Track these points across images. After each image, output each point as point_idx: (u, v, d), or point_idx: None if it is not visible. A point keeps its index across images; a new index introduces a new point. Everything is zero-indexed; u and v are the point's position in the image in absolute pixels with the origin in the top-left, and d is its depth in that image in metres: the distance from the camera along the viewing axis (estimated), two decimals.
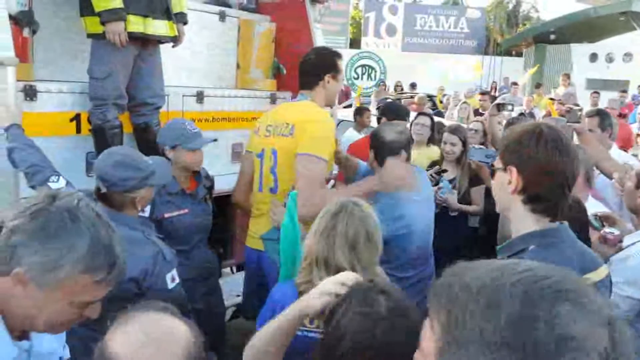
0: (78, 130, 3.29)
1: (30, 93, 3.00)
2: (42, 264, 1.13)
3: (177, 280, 2.30)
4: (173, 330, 1.09)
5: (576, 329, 0.67)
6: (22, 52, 2.96)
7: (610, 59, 23.95)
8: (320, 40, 4.36)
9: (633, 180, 2.38)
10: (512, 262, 0.79)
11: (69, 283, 1.15)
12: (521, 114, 5.96)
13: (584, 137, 3.41)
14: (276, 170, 2.77)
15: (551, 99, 8.49)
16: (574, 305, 0.69)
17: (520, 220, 1.60)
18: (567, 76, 9.93)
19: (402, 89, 15.15)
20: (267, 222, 2.78)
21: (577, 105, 9.43)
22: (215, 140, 3.19)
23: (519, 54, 26.83)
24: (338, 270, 1.75)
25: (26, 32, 3.02)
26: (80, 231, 1.16)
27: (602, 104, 11.64)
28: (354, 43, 27.96)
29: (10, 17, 2.83)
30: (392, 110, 4.19)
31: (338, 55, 2.99)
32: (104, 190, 2.27)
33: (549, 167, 1.54)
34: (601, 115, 4.09)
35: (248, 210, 3.07)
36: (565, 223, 1.62)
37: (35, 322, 1.19)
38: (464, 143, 4.09)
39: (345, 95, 5.53)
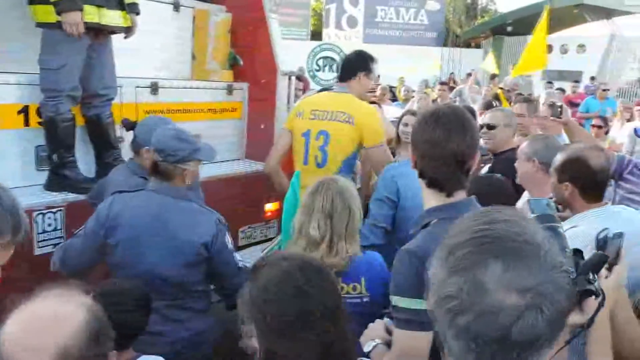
0: (26, 123, 3.21)
1: None
2: None
3: (231, 241, 2.55)
4: (58, 319, 1.11)
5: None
6: None
7: (564, 50, 24.65)
8: (277, 30, 4.35)
9: (554, 176, 2.44)
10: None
11: None
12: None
13: (570, 128, 3.60)
14: (326, 149, 3.21)
15: (501, 88, 8.77)
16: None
17: (425, 195, 1.72)
18: (514, 66, 10.40)
19: None
20: None
21: (530, 94, 9.70)
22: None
23: (478, 46, 27.32)
24: (311, 239, 2.08)
25: None
26: None
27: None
28: (316, 35, 27.93)
29: None
30: None
31: (372, 59, 3.45)
32: (160, 159, 2.40)
33: (430, 145, 1.65)
34: (528, 102, 4.62)
35: (277, 181, 3.53)
36: (471, 198, 1.70)
37: None
38: None
39: (303, 89, 5.54)
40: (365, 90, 3.49)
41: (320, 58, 17.83)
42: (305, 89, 6.20)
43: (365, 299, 2.18)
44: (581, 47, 24.26)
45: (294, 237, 2.20)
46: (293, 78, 4.33)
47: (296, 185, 2.89)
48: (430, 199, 1.70)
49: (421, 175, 1.70)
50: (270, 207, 4.15)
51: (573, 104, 10.54)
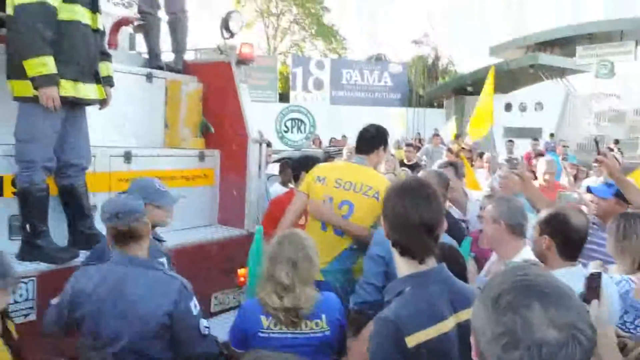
0: (0, 193, 3.26)
1: None
2: None
3: (198, 307, 2.52)
4: None
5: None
6: None
7: (523, 108, 25.77)
8: (246, 98, 4.53)
9: (537, 229, 2.62)
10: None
11: None
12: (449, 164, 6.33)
13: (524, 183, 3.79)
14: (349, 220, 3.22)
15: (462, 148, 9.16)
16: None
17: (398, 263, 1.83)
18: None
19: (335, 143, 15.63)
20: (325, 256, 3.11)
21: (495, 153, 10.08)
22: (183, 196, 3.28)
23: (440, 105, 28.35)
24: (280, 284, 2.34)
25: None
26: None
27: (518, 151, 12.54)
28: (283, 97, 28.55)
29: None
30: (301, 162, 4.29)
31: (388, 134, 3.61)
32: (114, 223, 2.48)
33: (400, 216, 1.78)
34: (454, 165, 4.71)
35: None
36: (442, 265, 1.82)
37: None
38: None
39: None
40: (379, 163, 3.63)
41: (288, 119, 18.20)
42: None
43: (327, 333, 2.41)
44: (539, 104, 25.39)
45: (262, 283, 2.44)
46: (264, 145, 4.48)
47: (259, 241, 3.40)
48: (403, 266, 1.80)
49: (394, 245, 1.81)
50: (242, 272, 4.18)
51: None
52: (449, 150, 8.88)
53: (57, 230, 3.42)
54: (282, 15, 36.79)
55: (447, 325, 1.68)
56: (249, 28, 36.92)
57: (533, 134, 18.12)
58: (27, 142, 3.20)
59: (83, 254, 3.18)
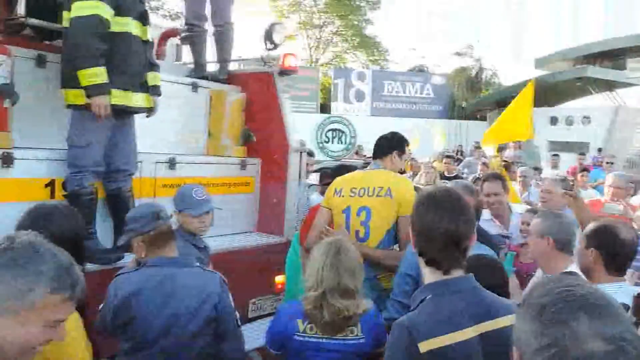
0: (52, 196, 3.40)
1: (7, 160, 3.15)
2: (15, 291, 1.29)
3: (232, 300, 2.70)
4: None
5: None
6: (1, 122, 3.13)
7: (569, 122, 25.12)
8: (288, 108, 4.62)
9: (583, 242, 2.58)
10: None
11: (42, 305, 1.31)
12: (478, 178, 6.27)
13: (576, 202, 3.79)
14: (369, 224, 3.30)
15: (504, 161, 9.05)
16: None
17: (423, 273, 1.85)
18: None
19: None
20: None
21: (538, 168, 9.90)
22: (219, 208, 3.37)
23: (483, 118, 27.93)
24: (347, 291, 2.39)
25: (6, 102, 3.20)
26: (44, 258, 1.35)
27: (563, 166, 12.24)
28: (324, 108, 28.73)
29: None
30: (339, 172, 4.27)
31: (406, 141, 3.67)
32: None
33: (426, 227, 1.80)
34: (501, 179, 4.53)
35: None
36: (467, 276, 1.82)
37: (9, 351, 1.32)
38: None
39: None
40: (397, 168, 3.66)
41: (329, 130, 18.33)
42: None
43: (361, 341, 2.47)
44: (586, 118, 24.71)
45: (315, 293, 2.43)
46: (304, 154, 4.54)
47: (296, 246, 3.61)
48: (428, 276, 1.82)
49: (420, 254, 1.84)
50: (280, 279, 4.24)
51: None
52: (484, 164, 8.78)
53: (104, 232, 3.56)
54: (324, 27, 37.08)
55: (465, 334, 1.68)
56: (291, 40, 37.37)
57: (580, 148, 17.63)
58: (79, 148, 3.34)
59: (128, 256, 3.29)
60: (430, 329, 1.66)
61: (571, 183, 4.36)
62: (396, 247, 3.38)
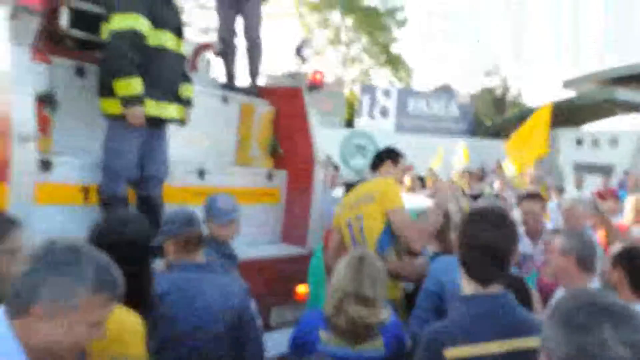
0: (86, 200, 3.50)
1: (46, 165, 3.26)
2: (59, 295, 1.34)
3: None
4: None
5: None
6: (43, 128, 3.24)
7: (595, 143, 24.73)
8: (314, 122, 4.69)
9: (610, 261, 2.57)
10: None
11: (85, 305, 1.36)
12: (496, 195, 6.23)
13: (604, 222, 3.84)
14: (364, 231, 3.44)
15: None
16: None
17: (463, 283, 1.90)
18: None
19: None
20: None
21: (560, 188, 9.79)
22: (235, 216, 3.34)
23: (507, 136, 27.68)
24: (366, 299, 2.36)
25: (47, 110, 3.32)
26: (85, 260, 1.39)
27: (588, 186, 12.06)
28: (349, 123, 28.84)
29: (36, 97, 3.13)
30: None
31: (400, 154, 3.79)
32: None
33: (466, 238, 1.88)
34: (540, 197, 4.45)
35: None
36: (504, 292, 1.86)
37: (55, 352, 1.37)
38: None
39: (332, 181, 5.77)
40: (397, 175, 3.75)
41: (353, 145, 18.36)
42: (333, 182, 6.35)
43: (381, 352, 2.44)
44: (613, 141, 24.31)
45: (336, 296, 2.44)
46: (330, 167, 4.59)
47: (319, 254, 3.87)
48: (466, 287, 1.88)
49: (461, 264, 1.91)
50: (302, 289, 4.27)
51: (604, 198, 10.52)
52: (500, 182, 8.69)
53: None
54: (351, 44, 37.36)
55: (489, 348, 1.72)
56: (319, 56, 37.71)
57: (605, 170, 17.35)
58: (113, 155, 3.44)
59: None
60: (455, 337, 1.71)
61: (599, 206, 4.33)
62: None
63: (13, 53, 3.03)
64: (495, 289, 1.84)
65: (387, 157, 3.73)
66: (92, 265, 1.39)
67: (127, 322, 1.95)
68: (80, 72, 3.66)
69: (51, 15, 3.49)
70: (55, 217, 3.27)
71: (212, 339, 2.54)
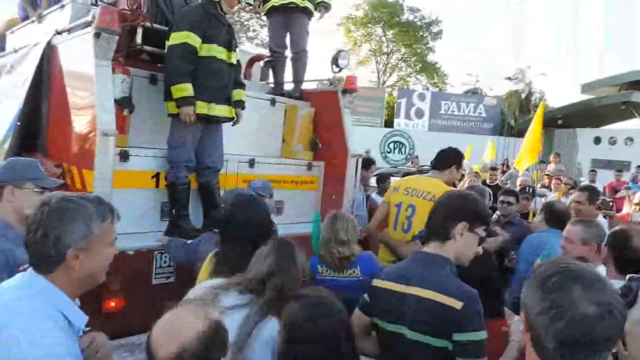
0: (157, 185, 3.66)
1: (124, 156, 3.43)
2: (83, 235, 1.40)
3: None
4: (184, 325, 1.34)
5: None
6: (121, 126, 3.40)
7: (613, 142, 23.53)
8: (349, 121, 4.70)
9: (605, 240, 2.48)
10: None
11: (101, 233, 1.44)
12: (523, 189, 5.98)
13: (613, 220, 3.75)
14: (412, 219, 3.43)
15: (546, 174, 8.67)
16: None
17: None
18: (557, 155, 10.37)
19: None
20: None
21: (576, 183, 9.38)
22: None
23: None
24: (342, 241, 2.97)
25: (126, 111, 3.48)
26: (82, 205, 1.44)
27: (600, 180, 11.52)
28: (388, 123, 28.56)
29: (115, 101, 3.30)
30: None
31: (463, 156, 3.71)
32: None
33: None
34: (590, 190, 4.13)
35: (375, 240, 3.82)
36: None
37: (97, 275, 1.47)
38: None
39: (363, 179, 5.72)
40: (454, 179, 3.71)
41: (391, 142, 18.18)
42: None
43: (360, 278, 2.95)
44: (629, 139, 23.06)
45: (325, 243, 3.02)
46: (360, 159, 4.61)
47: (318, 220, 4.08)
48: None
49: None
50: None
51: (616, 192, 10.04)
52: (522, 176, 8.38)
53: (195, 215, 3.76)
54: (391, 54, 36.92)
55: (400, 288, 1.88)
56: (363, 65, 37.42)
57: (621, 166, 16.46)
58: (174, 148, 3.56)
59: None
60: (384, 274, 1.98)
61: (610, 202, 4.13)
62: None
63: (98, 66, 3.20)
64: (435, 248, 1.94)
65: (454, 162, 3.59)
66: (88, 203, 1.44)
67: None
68: (153, 80, 3.79)
69: (128, 34, 3.64)
70: (131, 198, 3.44)
71: None
